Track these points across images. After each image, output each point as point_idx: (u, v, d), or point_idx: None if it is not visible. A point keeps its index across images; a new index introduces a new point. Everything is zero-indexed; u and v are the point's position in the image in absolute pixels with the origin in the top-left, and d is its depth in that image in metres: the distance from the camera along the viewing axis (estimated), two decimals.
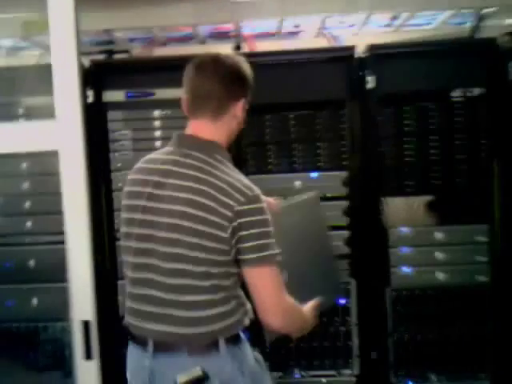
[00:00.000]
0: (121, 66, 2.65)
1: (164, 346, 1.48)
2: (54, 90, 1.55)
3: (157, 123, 2.53)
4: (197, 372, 1.43)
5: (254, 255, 1.44)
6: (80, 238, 1.53)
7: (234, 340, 1.51)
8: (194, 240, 1.42)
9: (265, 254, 1.44)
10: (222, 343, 1.47)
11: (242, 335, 1.55)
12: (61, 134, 1.52)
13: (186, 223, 1.43)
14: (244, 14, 2.62)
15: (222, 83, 1.51)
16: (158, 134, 2.53)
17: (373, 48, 2.46)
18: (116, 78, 2.53)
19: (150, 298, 1.49)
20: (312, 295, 1.69)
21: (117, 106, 2.52)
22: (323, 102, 2.50)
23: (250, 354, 1.57)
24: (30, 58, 2.83)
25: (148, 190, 1.50)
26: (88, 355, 1.51)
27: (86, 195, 1.53)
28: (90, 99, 2.47)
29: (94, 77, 2.48)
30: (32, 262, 2.52)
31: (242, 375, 1.49)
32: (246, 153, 2.52)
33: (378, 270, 2.51)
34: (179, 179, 1.47)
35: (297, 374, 2.54)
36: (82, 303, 1.54)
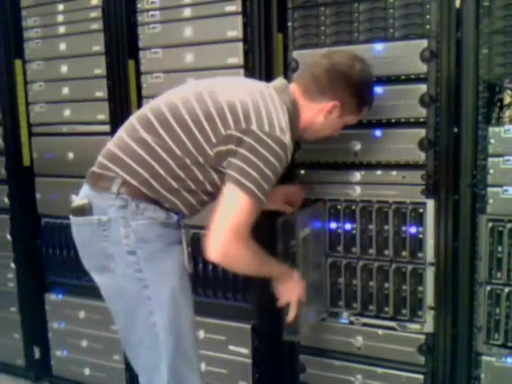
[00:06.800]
0: None
1: None
2: None
3: None
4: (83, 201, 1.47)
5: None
6: None
7: (139, 199, 1.43)
8: None
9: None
10: (117, 186, 1.43)
11: (161, 215, 1.45)
12: None
13: None
14: None
15: (324, 75, 1.56)
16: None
17: None
18: None
19: None
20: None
21: None
22: None
23: (151, 224, 1.44)
24: None
25: None
26: None
27: None
28: None
29: None
30: None
31: (124, 226, 1.42)
32: (292, 19, 1.87)
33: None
34: None
35: (344, 318, 1.93)
36: None
